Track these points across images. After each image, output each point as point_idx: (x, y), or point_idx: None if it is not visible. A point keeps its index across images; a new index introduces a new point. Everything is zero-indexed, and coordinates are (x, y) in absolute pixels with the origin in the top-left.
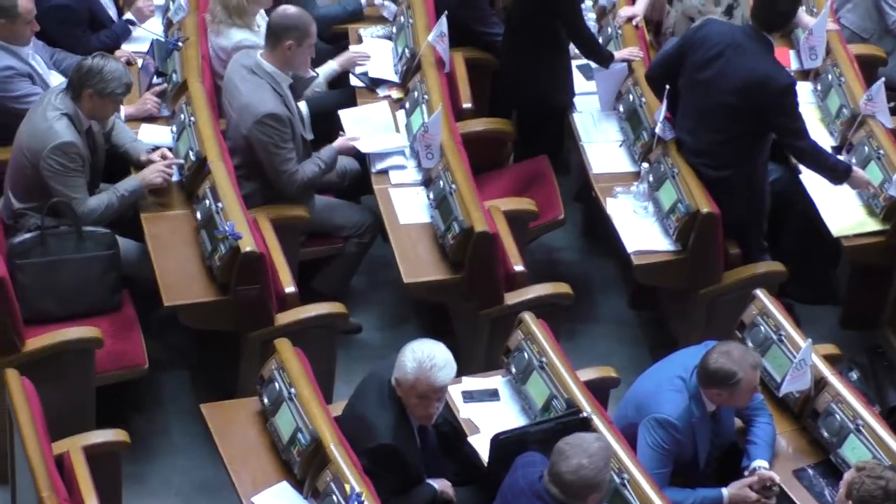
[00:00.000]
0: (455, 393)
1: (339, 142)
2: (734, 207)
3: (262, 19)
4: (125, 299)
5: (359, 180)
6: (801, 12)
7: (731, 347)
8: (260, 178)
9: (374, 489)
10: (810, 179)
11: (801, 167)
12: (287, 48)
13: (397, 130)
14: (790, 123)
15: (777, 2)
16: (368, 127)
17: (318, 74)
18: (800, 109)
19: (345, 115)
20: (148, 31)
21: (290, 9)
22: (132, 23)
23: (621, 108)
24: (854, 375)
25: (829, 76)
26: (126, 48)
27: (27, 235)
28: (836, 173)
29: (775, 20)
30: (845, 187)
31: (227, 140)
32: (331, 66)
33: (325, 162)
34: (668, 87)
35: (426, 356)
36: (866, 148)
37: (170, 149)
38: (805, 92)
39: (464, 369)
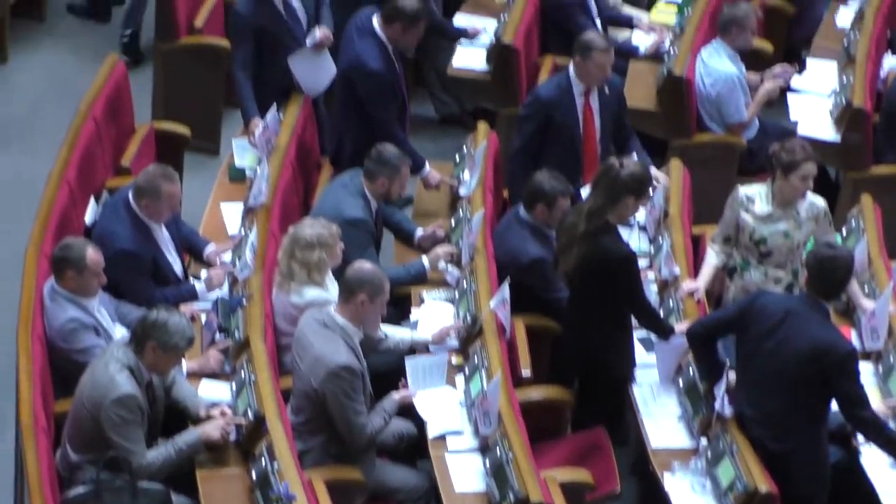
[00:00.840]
0: None
1: (400, 394)
2: (797, 481)
3: (329, 279)
4: None
5: (415, 443)
6: (861, 295)
7: None
8: (325, 432)
9: None
10: (870, 462)
11: (861, 449)
12: (360, 303)
13: (451, 383)
14: (853, 391)
15: (834, 270)
16: (423, 373)
17: (386, 336)
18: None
19: (409, 362)
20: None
21: (365, 265)
22: (197, 278)
23: (681, 382)
24: None
25: (891, 358)
26: (190, 303)
27: (82, 489)
28: None
29: (832, 289)
30: None
31: (294, 396)
32: (424, 337)
33: (389, 414)
34: (727, 362)
35: None
36: None
37: (229, 406)
38: (866, 373)
39: None
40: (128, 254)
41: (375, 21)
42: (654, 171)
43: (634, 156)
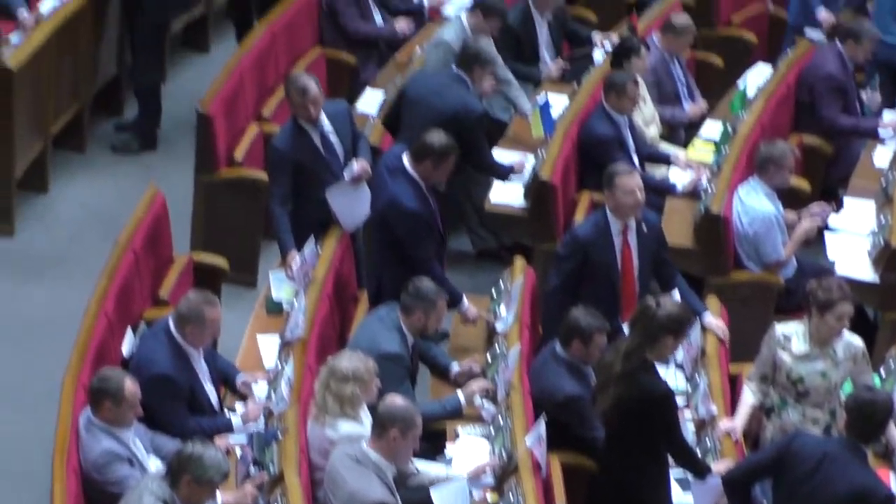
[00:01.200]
0: None
1: None
2: None
3: (364, 413)
4: None
5: None
6: None
7: None
8: None
9: None
10: None
11: None
12: (392, 438)
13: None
14: None
15: (873, 414)
16: (450, 500)
17: (418, 471)
18: None
19: (435, 492)
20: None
21: (397, 399)
22: (232, 410)
23: None
24: None
25: None
26: (225, 436)
27: None
28: None
29: (871, 432)
30: None
31: None
32: (459, 474)
33: None
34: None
35: None
36: None
37: None
38: None
39: None
40: (166, 379)
41: (405, 160)
42: (710, 318)
43: (677, 294)
